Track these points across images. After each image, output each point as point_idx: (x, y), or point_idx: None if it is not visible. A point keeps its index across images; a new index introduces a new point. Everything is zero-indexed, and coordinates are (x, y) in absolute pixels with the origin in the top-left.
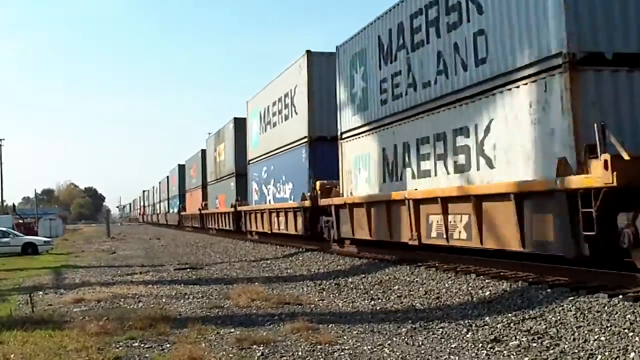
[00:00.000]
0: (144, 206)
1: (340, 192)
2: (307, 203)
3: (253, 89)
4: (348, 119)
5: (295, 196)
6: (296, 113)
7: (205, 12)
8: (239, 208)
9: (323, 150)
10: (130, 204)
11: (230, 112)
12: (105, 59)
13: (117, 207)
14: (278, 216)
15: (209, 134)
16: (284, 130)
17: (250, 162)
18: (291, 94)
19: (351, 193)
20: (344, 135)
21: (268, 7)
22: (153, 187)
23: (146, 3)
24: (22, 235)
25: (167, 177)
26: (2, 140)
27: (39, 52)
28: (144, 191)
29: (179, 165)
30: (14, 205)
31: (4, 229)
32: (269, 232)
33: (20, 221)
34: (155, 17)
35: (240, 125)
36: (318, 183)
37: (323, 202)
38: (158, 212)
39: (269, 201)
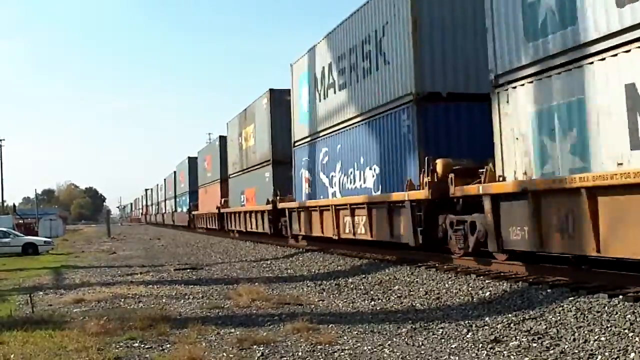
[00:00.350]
0: (146, 205)
1: (500, 173)
2: (420, 194)
3: (253, 89)
4: (518, 49)
5: (386, 185)
6: (387, 63)
7: (205, 12)
8: (280, 205)
9: (437, 113)
10: (131, 204)
11: (230, 113)
12: (105, 59)
13: (118, 207)
14: (353, 215)
15: (209, 134)
16: (363, 90)
17: (298, 143)
18: (376, 38)
19: (524, 174)
20: (504, 80)
21: (268, 7)
22: (157, 185)
23: (146, 3)
24: (22, 235)
25: (174, 172)
26: (2, 140)
27: (39, 52)
28: (146, 190)
29: (189, 158)
30: (14, 205)
31: (5, 229)
32: (335, 237)
33: (20, 221)
34: (155, 16)
35: (278, 98)
36: (440, 162)
37: (465, 190)
38: (163, 211)
39: (333, 194)
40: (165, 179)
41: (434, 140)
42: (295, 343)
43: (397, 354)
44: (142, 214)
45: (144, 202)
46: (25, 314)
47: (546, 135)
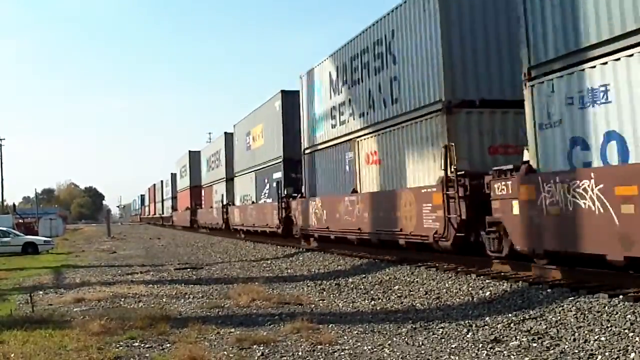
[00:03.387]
0: (195, 188)
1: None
2: (282, 203)
3: (252, 88)
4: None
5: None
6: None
7: (205, 12)
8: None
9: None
10: (141, 197)
11: (230, 113)
12: (105, 59)
13: (118, 206)
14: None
15: (210, 133)
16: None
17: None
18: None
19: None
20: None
21: (268, 7)
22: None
23: (147, 3)
24: (22, 234)
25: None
26: (2, 140)
27: (39, 52)
28: (191, 153)
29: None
30: (14, 204)
31: (5, 228)
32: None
33: (20, 221)
34: (155, 16)
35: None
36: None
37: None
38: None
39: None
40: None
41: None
42: (295, 343)
43: (397, 353)
44: (166, 210)
45: (169, 192)
46: (25, 314)
47: None
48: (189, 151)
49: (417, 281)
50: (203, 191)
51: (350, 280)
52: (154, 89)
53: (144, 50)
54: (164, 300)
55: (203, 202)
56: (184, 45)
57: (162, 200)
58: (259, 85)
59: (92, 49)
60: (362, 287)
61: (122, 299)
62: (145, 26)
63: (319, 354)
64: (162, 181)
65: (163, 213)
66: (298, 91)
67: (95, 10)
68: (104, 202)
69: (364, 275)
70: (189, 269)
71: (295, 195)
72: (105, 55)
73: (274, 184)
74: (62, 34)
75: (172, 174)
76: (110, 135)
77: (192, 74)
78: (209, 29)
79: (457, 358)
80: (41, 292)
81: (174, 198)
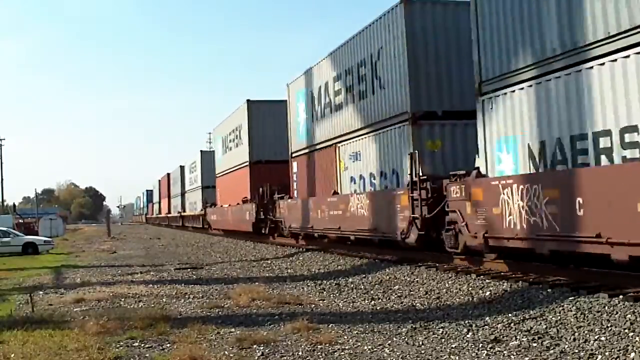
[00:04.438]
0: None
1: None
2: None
3: (253, 87)
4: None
5: None
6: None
7: (205, 12)
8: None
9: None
10: (143, 195)
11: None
12: (105, 59)
13: (118, 206)
14: None
15: (210, 133)
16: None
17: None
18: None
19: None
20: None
21: (268, 8)
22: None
23: (146, 2)
24: (22, 235)
25: None
26: (2, 140)
27: (39, 52)
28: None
29: None
30: (14, 205)
31: (5, 228)
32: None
33: (20, 221)
34: (154, 16)
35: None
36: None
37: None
38: None
39: None
40: None
41: None
42: (295, 343)
43: (397, 353)
44: (203, 204)
45: (221, 166)
46: (25, 314)
47: None
48: (248, 101)
49: (417, 281)
50: (296, 165)
51: (350, 280)
52: (154, 88)
53: (144, 50)
54: (164, 300)
55: (294, 188)
56: (184, 45)
57: (183, 194)
58: (259, 85)
59: (92, 49)
60: (362, 287)
61: (122, 299)
62: (145, 26)
63: (319, 353)
64: (181, 167)
65: (184, 211)
66: None
67: (95, 10)
68: (104, 202)
69: (364, 275)
70: (189, 269)
71: None
72: (105, 55)
73: None
74: (62, 34)
75: (202, 151)
76: (110, 135)
77: (192, 74)
78: (209, 29)
79: (457, 358)
80: (41, 292)
81: (206, 188)
